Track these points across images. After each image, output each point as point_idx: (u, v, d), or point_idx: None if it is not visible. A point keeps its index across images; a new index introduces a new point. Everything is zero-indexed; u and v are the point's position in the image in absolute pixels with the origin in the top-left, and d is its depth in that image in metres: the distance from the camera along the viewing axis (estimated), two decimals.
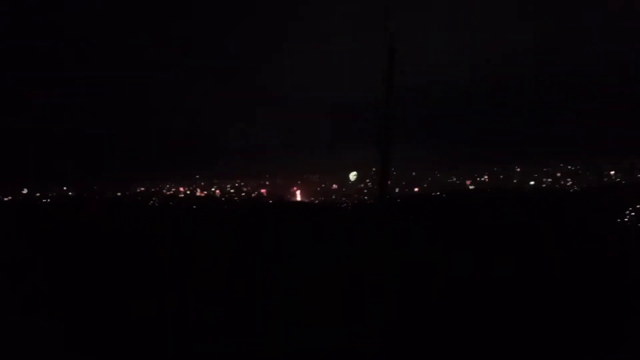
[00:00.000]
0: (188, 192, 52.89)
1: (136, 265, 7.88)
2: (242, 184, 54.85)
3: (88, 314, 5.70)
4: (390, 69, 8.60)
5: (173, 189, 52.34)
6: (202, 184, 55.03)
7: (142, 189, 50.53)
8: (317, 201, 43.45)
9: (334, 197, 50.12)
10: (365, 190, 48.17)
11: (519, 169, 49.79)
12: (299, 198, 49.71)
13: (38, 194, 45.60)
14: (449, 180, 48.63)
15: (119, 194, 49.63)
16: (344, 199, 42.90)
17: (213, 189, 53.18)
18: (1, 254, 8.08)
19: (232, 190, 52.85)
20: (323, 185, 55.04)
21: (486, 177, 49.58)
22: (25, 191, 46.40)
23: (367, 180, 49.21)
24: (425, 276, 7.12)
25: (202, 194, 52.15)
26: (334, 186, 54.98)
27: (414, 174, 49.27)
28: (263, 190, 53.56)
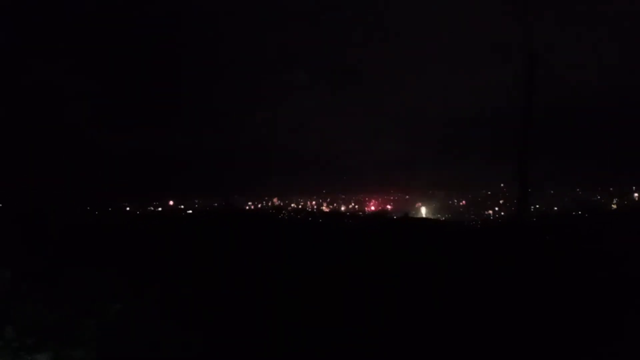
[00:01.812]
0: (315, 206, 54.54)
1: (277, 272, 8.22)
2: (367, 199, 55.16)
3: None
4: (530, 77, 8.01)
5: (302, 203, 54.38)
6: (328, 199, 56.41)
7: (275, 201, 53.24)
8: (443, 218, 42.04)
9: (461, 210, 48.10)
10: (496, 208, 45.47)
11: None
12: (424, 214, 48.56)
13: (182, 206, 50.39)
14: (593, 199, 43.94)
15: (252, 206, 52.87)
16: (472, 216, 40.93)
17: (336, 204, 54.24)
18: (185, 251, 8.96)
19: (356, 206, 53.41)
20: (450, 202, 53.12)
21: (636, 195, 43.94)
22: (171, 202, 51.52)
23: (500, 199, 46.47)
24: (566, 303, 6.42)
25: (328, 209, 53.40)
26: (462, 202, 52.77)
27: (552, 192, 45.44)
28: (388, 206, 53.27)
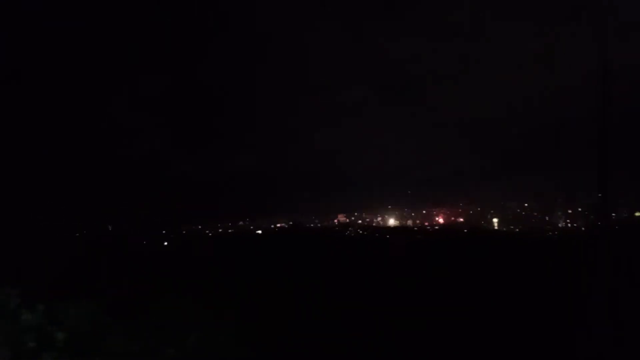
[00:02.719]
0: (381, 221, 54.00)
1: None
2: (435, 212, 53.93)
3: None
4: (605, 86, 7.58)
5: (367, 220, 54.03)
6: (395, 214, 55.73)
7: (341, 219, 53.27)
8: (517, 229, 40.18)
9: (533, 221, 45.78)
10: (569, 218, 42.91)
11: None
12: (496, 226, 46.65)
13: (252, 226, 51.71)
14: None
15: (318, 224, 53.22)
16: (548, 227, 38.84)
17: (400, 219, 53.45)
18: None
19: (425, 220, 52.37)
20: (523, 213, 50.76)
21: None
22: (240, 223, 53.00)
23: (568, 210, 43.84)
24: None
25: (395, 224, 52.68)
26: (535, 213, 50.27)
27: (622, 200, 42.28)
28: (459, 219, 51.78)
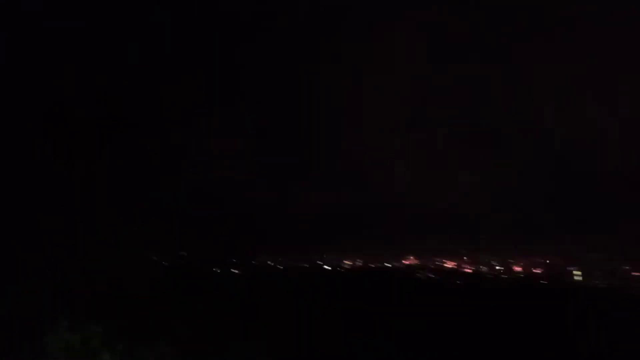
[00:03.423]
0: (454, 267, 52.32)
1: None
2: (511, 261, 51.39)
3: None
4: None
5: (439, 264, 52.58)
6: (467, 259, 53.76)
7: (412, 260, 52.31)
8: (601, 285, 37.32)
9: (624, 277, 42.26)
10: None
11: None
12: (580, 277, 43.57)
13: (320, 261, 52.03)
14: None
15: (389, 265, 52.52)
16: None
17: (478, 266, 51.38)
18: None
19: (500, 268, 50.01)
20: (612, 268, 47.06)
21: None
22: (308, 257, 53.46)
23: None
24: None
25: (469, 270, 50.82)
26: (626, 267, 46.39)
27: None
28: (537, 270, 48.99)
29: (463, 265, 52.42)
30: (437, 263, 52.81)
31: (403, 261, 51.72)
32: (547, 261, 49.32)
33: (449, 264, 52.95)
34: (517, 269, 50.29)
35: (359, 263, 50.46)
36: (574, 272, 44.89)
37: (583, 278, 43.65)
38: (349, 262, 51.49)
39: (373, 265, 50.33)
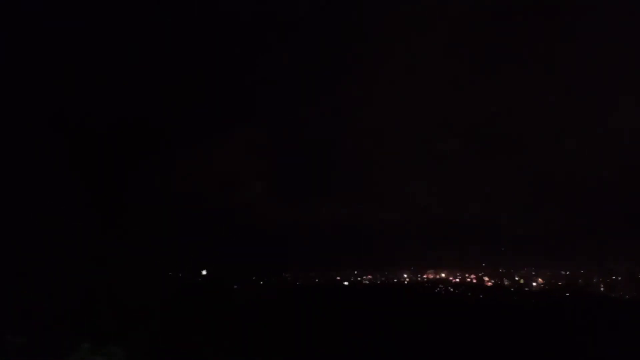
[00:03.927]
0: (475, 280, 51.62)
1: None
2: (534, 273, 50.55)
3: None
4: None
5: (459, 277, 51.95)
6: (489, 271, 53.03)
7: (431, 275, 51.75)
8: (620, 294, 36.42)
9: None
10: None
11: None
12: (602, 288, 42.65)
13: (339, 277, 51.82)
14: None
15: (407, 279, 52.04)
16: None
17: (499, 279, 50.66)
18: None
19: (521, 281, 49.22)
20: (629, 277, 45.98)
21: None
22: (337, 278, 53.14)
23: None
24: None
25: (490, 283, 50.10)
26: None
27: None
28: (559, 282, 48.09)
29: (484, 278, 51.70)
30: (458, 276, 52.17)
31: (424, 275, 51.25)
32: (568, 273, 48.40)
33: (470, 277, 52.28)
34: (540, 280, 49.42)
35: (378, 279, 50.19)
36: (600, 284, 43.92)
37: (606, 289, 42.70)
38: (368, 276, 51.21)
39: (391, 280, 49.97)
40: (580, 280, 45.75)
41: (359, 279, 50.61)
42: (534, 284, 48.27)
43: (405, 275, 51.73)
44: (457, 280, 50.51)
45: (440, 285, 43.01)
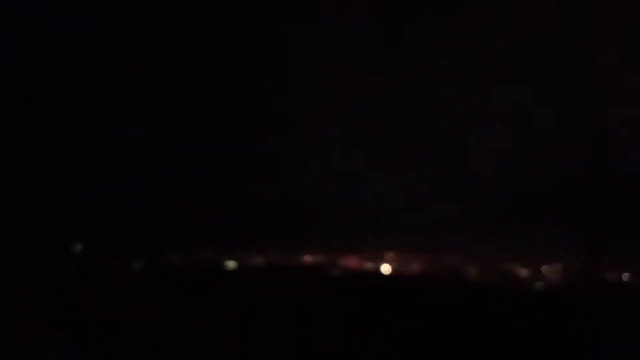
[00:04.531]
0: (356, 266, 52.77)
1: None
2: (410, 259, 53.09)
3: None
4: (599, 155, 7.74)
5: (341, 262, 52.76)
6: (370, 257, 54.63)
7: (311, 258, 51.82)
8: (493, 282, 39.64)
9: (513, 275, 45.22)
10: (552, 277, 42.36)
11: None
12: (472, 276, 46.00)
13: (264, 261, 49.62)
14: None
15: (291, 263, 51.51)
16: (528, 283, 38.27)
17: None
18: None
19: (401, 267, 51.40)
20: (505, 270, 50.27)
21: None
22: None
23: (555, 267, 43.46)
24: None
25: (370, 269, 51.53)
26: (517, 267, 49.77)
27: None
28: (433, 269, 50.99)
29: (364, 265, 53.03)
30: (340, 262, 52.83)
31: (304, 259, 51.20)
32: (443, 260, 51.36)
33: (351, 263, 53.26)
34: (416, 268, 51.87)
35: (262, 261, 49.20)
36: (471, 270, 47.26)
37: (478, 277, 45.88)
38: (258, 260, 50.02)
39: (279, 263, 49.15)
40: (453, 268, 48.81)
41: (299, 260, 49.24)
42: (409, 271, 50.56)
43: (288, 260, 51.42)
44: (340, 265, 51.31)
45: (322, 270, 43.41)
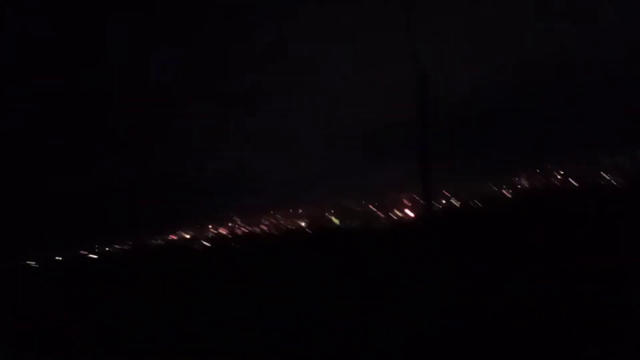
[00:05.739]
0: (228, 233, 52.77)
1: None
2: (279, 217, 54.57)
3: None
4: (423, 93, 8.31)
5: (211, 231, 52.32)
6: (241, 222, 54.94)
7: (180, 233, 50.59)
8: (353, 224, 42.87)
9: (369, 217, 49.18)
10: (403, 213, 47.15)
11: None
12: (337, 224, 49.00)
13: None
14: (489, 191, 47.06)
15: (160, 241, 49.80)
16: (385, 222, 42.08)
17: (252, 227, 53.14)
18: None
19: (276, 225, 52.62)
20: (360, 209, 54.13)
21: (526, 182, 47.82)
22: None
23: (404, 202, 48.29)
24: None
25: (244, 231, 51.86)
26: (370, 205, 53.91)
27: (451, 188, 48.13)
28: (302, 222, 53.09)
29: (237, 229, 53.28)
30: (211, 231, 52.41)
31: (171, 236, 49.69)
32: (307, 212, 53.89)
33: (223, 231, 53.11)
34: (289, 226, 53.42)
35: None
36: (333, 219, 50.29)
37: (340, 222, 49.16)
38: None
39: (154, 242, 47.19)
40: (318, 219, 51.61)
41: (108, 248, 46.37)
42: (283, 228, 52.19)
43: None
44: (212, 235, 51.01)
45: (195, 242, 42.82)
